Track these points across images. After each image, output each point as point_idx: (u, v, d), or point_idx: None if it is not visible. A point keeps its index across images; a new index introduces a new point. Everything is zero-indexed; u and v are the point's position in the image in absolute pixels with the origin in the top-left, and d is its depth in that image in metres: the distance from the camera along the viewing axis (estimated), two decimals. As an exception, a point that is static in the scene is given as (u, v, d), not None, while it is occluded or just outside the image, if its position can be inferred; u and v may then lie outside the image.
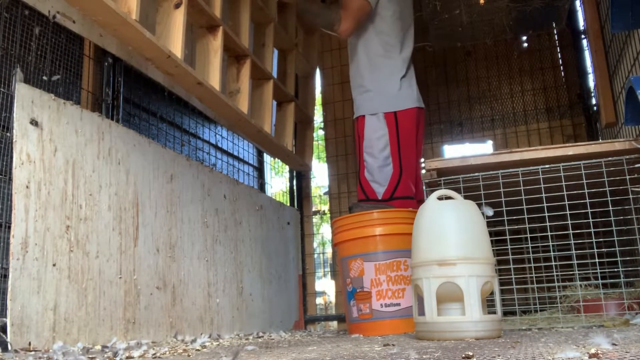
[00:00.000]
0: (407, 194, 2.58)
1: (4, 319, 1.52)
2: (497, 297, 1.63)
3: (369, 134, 2.69)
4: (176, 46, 2.15)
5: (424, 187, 2.24)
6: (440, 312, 1.56)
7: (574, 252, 2.09)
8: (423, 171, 2.39)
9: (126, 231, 2.00)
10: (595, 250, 2.03)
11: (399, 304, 2.14)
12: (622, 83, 2.66)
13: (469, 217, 1.61)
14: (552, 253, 2.17)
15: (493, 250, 1.69)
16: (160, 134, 2.58)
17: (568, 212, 2.03)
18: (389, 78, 2.75)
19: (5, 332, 1.50)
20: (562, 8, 3.46)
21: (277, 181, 5.82)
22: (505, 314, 2.22)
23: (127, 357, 1.40)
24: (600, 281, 2.11)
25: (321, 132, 4.40)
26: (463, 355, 1.03)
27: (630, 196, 2.01)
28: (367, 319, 2.17)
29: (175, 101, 2.68)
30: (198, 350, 1.63)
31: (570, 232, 2.05)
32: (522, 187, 2.05)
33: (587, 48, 3.47)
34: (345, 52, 4.03)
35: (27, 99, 1.68)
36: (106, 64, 2.20)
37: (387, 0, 2.80)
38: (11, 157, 1.63)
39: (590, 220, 2.05)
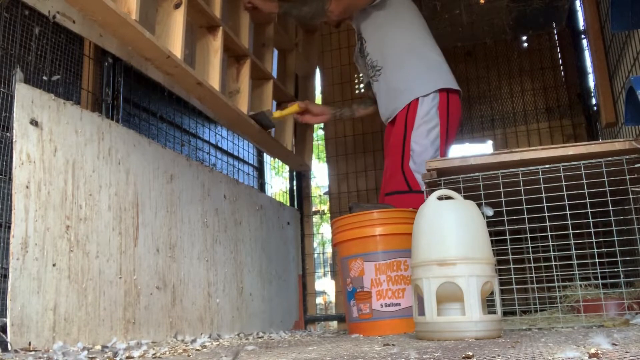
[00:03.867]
0: None
1: (4, 319, 1.52)
2: (497, 297, 1.63)
3: (420, 123, 2.53)
4: (176, 46, 2.15)
5: (424, 187, 2.24)
6: (440, 312, 1.56)
7: (574, 252, 2.09)
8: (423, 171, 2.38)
9: (126, 231, 2.00)
10: (595, 250, 2.03)
11: (399, 304, 2.14)
12: (622, 83, 2.66)
13: (469, 217, 1.61)
14: (552, 253, 2.17)
15: (493, 250, 1.69)
16: (160, 134, 2.58)
17: (568, 212, 2.03)
18: (437, 52, 2.66)
19: (5, 332, 1.50)
20: (562, 8, 3.47)
21: (277, 181, 5.82)
22: (505, 314, 2.22)
23: (127, 357, 1.40)
24: (600, 281, 2.11)
25: (321, 132, 4.40)
26: (463, 355, 1.03)
27: (630, 196, 2.01)
28: (367, 318, 2.17)
29: (175, 101, 2.68)
30: (198, 350, 1.63)
31: (570, 232, 2.05)
32: (522, 187, 2.05)
33: (587, 48, 3.47)
34: (345, 51, 4.06)
35: (27, 99, 1.68)
36: (106, 64, 2.21)
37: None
38: (11, 157, 1.63)
39: (590, 220, 2.05)
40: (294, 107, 2.96)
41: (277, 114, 2.91)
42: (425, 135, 2.54)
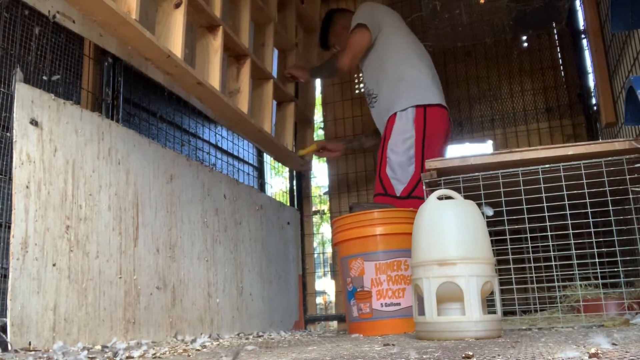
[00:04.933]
0: (423, 196, 2.66)
1: (4, 319, 1.52)
2: (497, 297, 1.63)
3: (396, 134, 2.77)
4: (176, 46, 2.15)
5: (424, 187, 2.24)
6: (440, 312, 1.56)
7: (574, 252, 2.09)
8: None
9: (126, 231, 2.00)
10: (595, 250, 2.03)
11: (399, 304, 2.14)
12: (622, 83, 2.66)
13: (469, 217, 1.61)
14: (552, 253, 2.17)
15: (493, 250, 1.69)
16: (160, 134, 2.58)
17: (568, 212, 2.03)
18: (418, 69, 2.88)
19: (5, 332, 1.50)
20: (562, 8, 3.46)
21: (277, 181, 5.82)
22: (505, 313, 2.22)
23: (127, 357, 1.40)
24: (600, 281, 2.11)
25: (321, 132, 4.40)
26: (463, 355, 1.03)
27: (630, 196, 2.01)
28: (367, 318, 2.17)
29: (175, 101, 2.68)
30: (198, 350, 1.63)
31: (570, 232, 2.05)
32: (522, 187, 2.05)
33: (587, 48, 3.46)
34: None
35: (27, 98, 1.68)
36: (106, 64, 2.20)
37: (384, 16, 3.01)
38: (11, 157, 1.63)
39: (590, 220, 2.05)
40: (312, 147, 3.49)
41: (300, 152, 3.44)
42: (401, 144, 2.76)
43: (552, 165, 2.07)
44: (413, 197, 2.67)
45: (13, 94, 1.66)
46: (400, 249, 2.16)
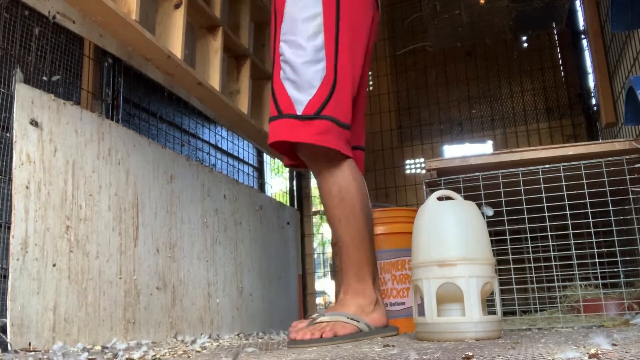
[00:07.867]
0: (340, 118, 1.67)
1: (4, 319, 1.52)
2: (497, 298, 1.63)
3: (293, 11, 1.68)
4: (176, 46, 2.15)
5: (423, 187, 2.24)
6: (440, 312, 1.56)
7: (574, 252, 2.09)
8: (423, 171, 2.38)
9: (126, 231, 2.00)
10: (595, 250, 2.03)
11: (403, 303, 2.14)
12: (622, 83, 2.66)
13: (469, 218, 1.61)
14: (552, 253, 2.17)
15: (493, 250, 1.68)
16: (160, 134, 2.58)
17: (568, 212, 2.03)
18: None
19: (5, 332, 1.50)
20: (562, 8, 3.46)
21: (277, 181, 5.82)
22: (505, 314, 2.22)
23: (126, 359, 1.40)
24: (600, 281, 2.11)
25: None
26: (463, 356, 1.02)
27: (630, 196, 2.01)
28: (368, 319, 2.16)
29: (175, 101, 2.68)
30: (198, 351, 1.63)
31: (570, 232, 2.05)
32: (522, 187, 2.05)
33: (587, 48, 3.47)
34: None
35: (27, 99, 1.68)
36: (106, 64, 2.20)
37: None
38: (11, 157, 1.63)
39: (590, 220, 2.05)
40: None
41: None
42: (300, 28, 1.73)
43: (552, 165, 2.07)
44: (323, 117, 1.63)
45: (13, 94, 1.66)
46: (404, 248, 2.16)
